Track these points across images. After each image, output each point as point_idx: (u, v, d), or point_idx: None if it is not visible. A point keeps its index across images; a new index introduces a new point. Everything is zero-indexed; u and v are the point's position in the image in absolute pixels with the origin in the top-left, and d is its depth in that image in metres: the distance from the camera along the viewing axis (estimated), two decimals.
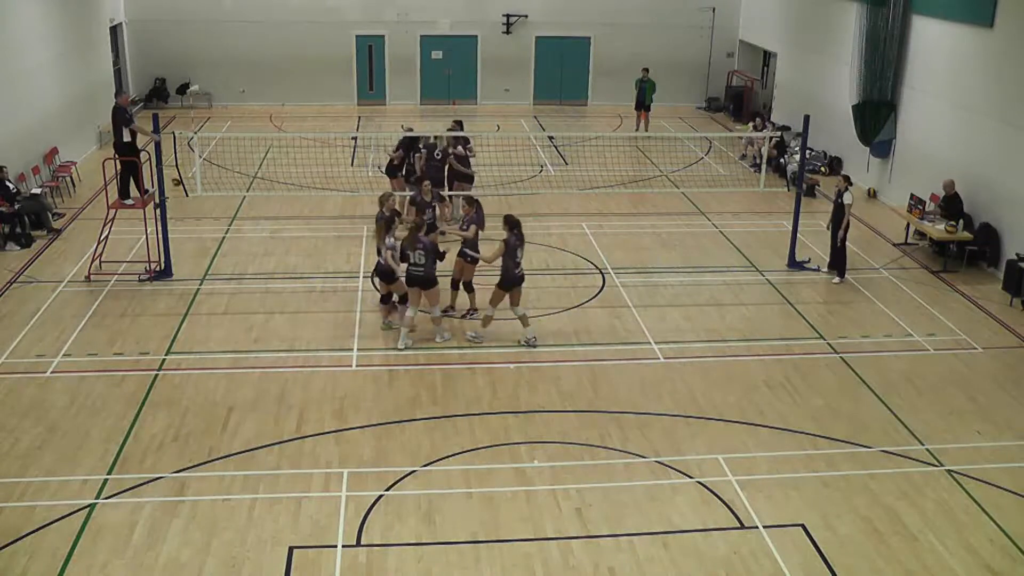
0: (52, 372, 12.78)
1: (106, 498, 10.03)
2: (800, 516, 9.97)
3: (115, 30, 28.24)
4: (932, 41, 19.65)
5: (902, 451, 11.30)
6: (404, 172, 18.68)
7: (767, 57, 30.46)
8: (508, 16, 30.92)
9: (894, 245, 18.52)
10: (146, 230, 16.17)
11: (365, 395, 12.34)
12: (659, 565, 9.16)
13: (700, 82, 31.94)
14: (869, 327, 14.79)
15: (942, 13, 19.13)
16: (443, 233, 14.55)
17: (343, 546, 9.36)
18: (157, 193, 15.98)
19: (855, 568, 9.22)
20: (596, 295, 15.80)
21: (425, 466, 10.76)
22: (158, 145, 15.69)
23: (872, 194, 21.68)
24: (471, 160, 19.01)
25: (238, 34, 29.96)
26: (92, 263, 16.20)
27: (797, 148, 20.76)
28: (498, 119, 29.14)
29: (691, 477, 10.62)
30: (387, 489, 10.30)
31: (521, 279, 13.70)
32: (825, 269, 16.94)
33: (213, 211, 19.52)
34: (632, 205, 20.80)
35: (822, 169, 23.24)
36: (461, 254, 14.36)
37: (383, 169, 19.59)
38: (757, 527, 9.76)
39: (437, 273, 13.60)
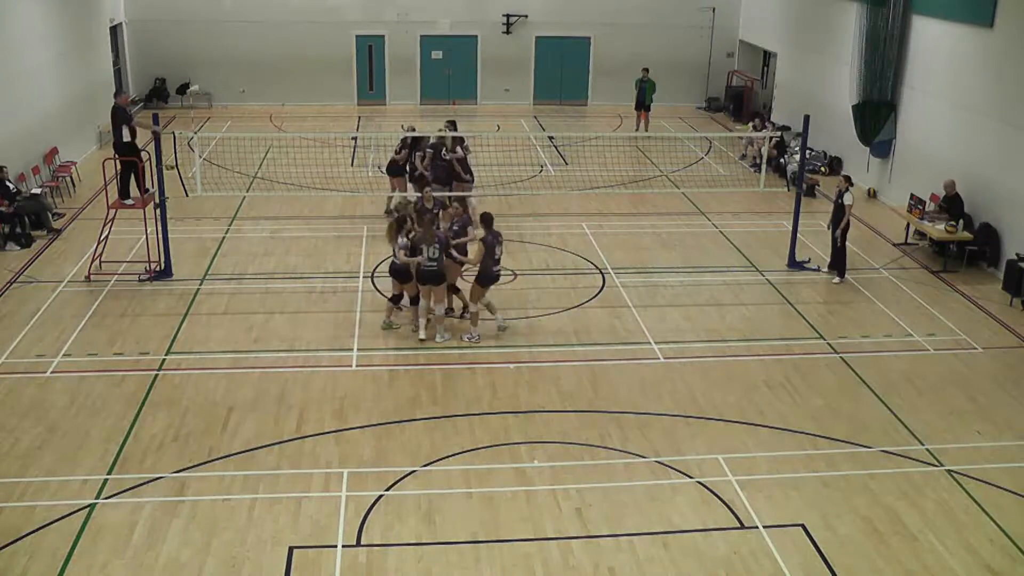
0: (52, 372, 12.78)
1: (106, 498, 10.03)
2: (800, 516, 9.97)
3: (115, 30, 28.23)
4: (932, 41, 19.64)
5: (902, 451, 11.30)
6: (408, 171, 18.65)
7: (767, 57, 30.45)
8: (508, 16, 30.91)
9: (894, 245, 18.51)
10: (146, 230, 16.17)
11: (365, 395, 12.34)
12: (659, 565, 9.16)
13: (700, 82, 31.93)
14: (869, 327, 14.79)
15: (942, 13, 19.12)
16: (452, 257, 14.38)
17: (343, 546, 9.36)
18: (157, 193, 15.97)
19: (855, 568, 9.22)
20: (596, 295, 15.79)
21: (425, 466, 10.76)
22: (158, 142, 15.66)
23: (872, 194, 21.67)
24: (470, 160, 18.99)
25: (238, 34, 29.94)
26: (92, 263, 16.19)
27: (797, 148, 20.75)
28: (498, 119, 29.13)
29: (691, 477, 10.62)
30: (387, 489, 10.30)
31: (498, 277, 13.93)
32: (825, 269, 16.94)
33: (213, 211, 19.52)
34: (632, 205, 20.79)
35: (822, 169, 23.23)
36: (448, 255, 14.34)
37: (383, 169, 19.58)
38: (757, 527, 9.76)
39: None
